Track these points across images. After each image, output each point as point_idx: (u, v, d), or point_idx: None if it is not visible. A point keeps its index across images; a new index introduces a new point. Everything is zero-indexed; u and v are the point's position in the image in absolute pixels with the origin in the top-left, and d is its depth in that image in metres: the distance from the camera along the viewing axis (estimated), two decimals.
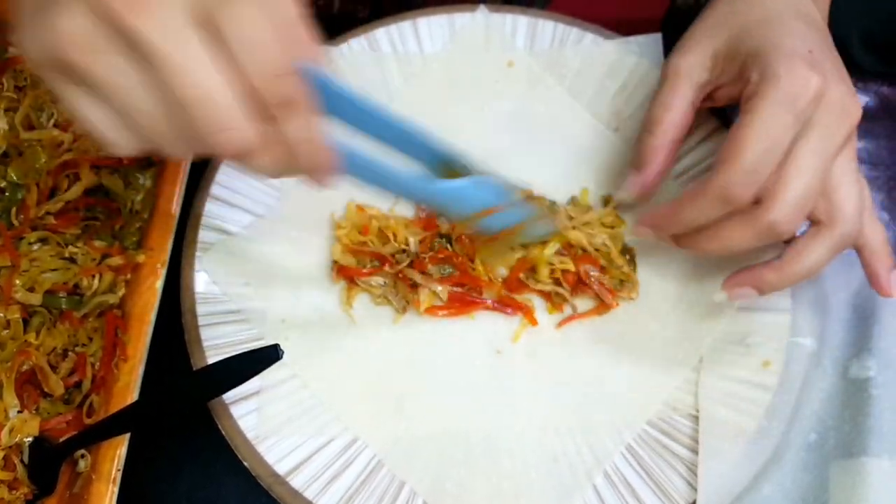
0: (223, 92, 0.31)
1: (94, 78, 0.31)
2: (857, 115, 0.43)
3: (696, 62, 0.50)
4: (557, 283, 0.54)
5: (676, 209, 0.47)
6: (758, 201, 0.43)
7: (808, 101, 0.42)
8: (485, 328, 0.53)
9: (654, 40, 0.62)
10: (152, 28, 0.30)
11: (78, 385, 0.49)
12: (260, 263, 0.54)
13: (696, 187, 0.45)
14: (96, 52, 0.31)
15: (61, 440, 0.46)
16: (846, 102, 0.43)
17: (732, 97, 0.49)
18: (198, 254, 0.54)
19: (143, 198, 0.54)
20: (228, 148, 0.33)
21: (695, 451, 0.49)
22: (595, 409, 0.51)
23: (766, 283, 0.47)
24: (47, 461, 0.46)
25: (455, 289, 0.53)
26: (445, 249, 0.53)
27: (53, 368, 0.49)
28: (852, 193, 0.44)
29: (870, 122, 0.63)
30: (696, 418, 0.50)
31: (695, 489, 0.47)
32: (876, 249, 0.47)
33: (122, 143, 0.34)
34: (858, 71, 0.65)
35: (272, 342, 0.43)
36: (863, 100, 0.64)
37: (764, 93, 0.43)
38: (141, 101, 0.32)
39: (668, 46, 0.57)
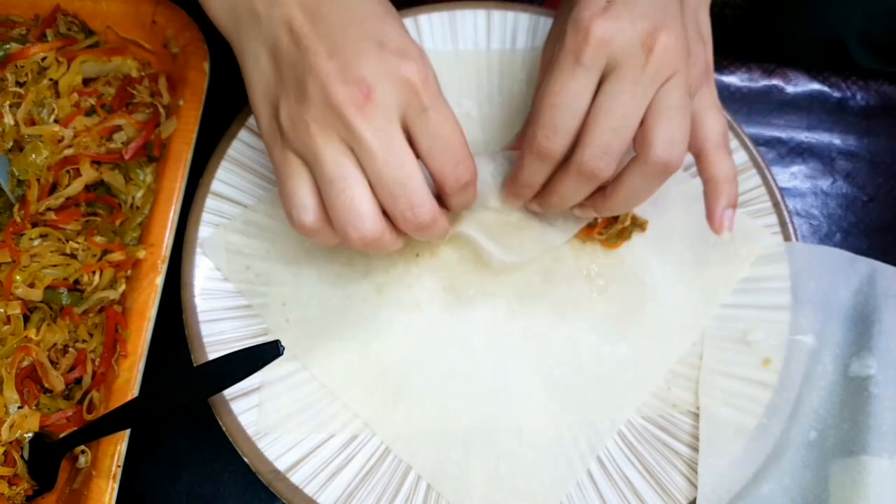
0: (417, 178, 0.42)
1: (320, 155, 0.41)
2: (669, 47, 0.42)
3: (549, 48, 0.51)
4: None
5: (514, 177, 0.49)
6: None
7: (592, 50, 0.42)
8: (485, 314, 0.53)
9: None
10: (369, 131, 0.40)
11: (78, 381, 0.49)
12: (261, 246, 0.54)
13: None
14: (326, 138, 0.41)
15: (61, 436, 0.46)
16: (651, 39, 0.42)
17: None
18: (198, 250, 0.53)
19: (144, 194, 0.54)
20: (416, 218, 0.42)
21: (695, 449, 0.49)
22: (590, 391, 0.51)
23: (599, 209, 0.49)
24: (47, 457, 0.46)
25: None
26: None
27: (54, 364, 0.49)
28: (663, 125, 0.43)
29: (870, 121, 0.63)
30: (696, 416, 0.50)
31: (695, 486, 0.48)
32: (717, 183, 0.48)
33: (308, 212, 0.43)
34: (858, 70, 0.65)
35: (273, 336, 0.43)
36: (863, 99, 0.64)
37: (556, 57, 0.44)
38: (346, 176, 0.41)
39: None
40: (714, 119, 0.47)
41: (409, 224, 0.43)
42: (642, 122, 0.43)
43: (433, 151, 0.43)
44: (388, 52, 0.41)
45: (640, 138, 0.44)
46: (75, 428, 0.47)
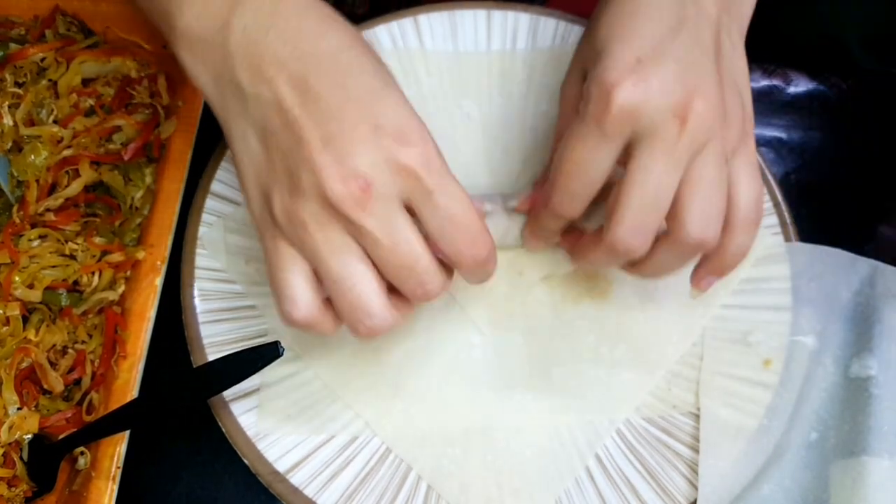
0: (426, 257, 0.40)
1: (320, 253, 0.39)
2: (705, 115, 0.39)
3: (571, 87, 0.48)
4: None
5: (530, 225, 0.50)
6: None
7: (616, 120, 0.39)
8: (483, 312, 0.53)
9: None
10: (372, 223, 0.38)
11: (77, 382, 0.49)
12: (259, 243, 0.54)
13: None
14: (325, 234, 0.39)
15: (61, 437, 0.46)
16: (685, 108, 0.39)
17: None
18: (198, 251, 0.53)
19: (144, 194, 0.54)
20: (426, 294, 0.41)
21: (696, 450, 0.49)
22: (589, 391, 0.51)
23: (627, 272, 0.48)
24: (47, 458, 0.46)
25: None
26: None
27: (53, 365, 0.49)
28: (697, 202, 0.41)
29: (870, 122, 0.63)
30: (697, 417, 0.50)
31: (696, 488, 0.47)
32: (723, 253, 0.44)
33: (301, 308, 0.40)
34: (858, 70, 0.65)
35: (274, 334, 0.42)
36: (863, 99, 0.64)
37: (577, 119, 0.41)
38: (352, 274, 0.39)
39: None
40: (747, 185, 0.43)
41: (419, 298, 0.42)
42: (675, 195, 0.41)
43: (444, 234, 0.40)
44: (386, 137, 0.38)
45: (672, 214, 0.41)
46: (75, 429, 0.47)
